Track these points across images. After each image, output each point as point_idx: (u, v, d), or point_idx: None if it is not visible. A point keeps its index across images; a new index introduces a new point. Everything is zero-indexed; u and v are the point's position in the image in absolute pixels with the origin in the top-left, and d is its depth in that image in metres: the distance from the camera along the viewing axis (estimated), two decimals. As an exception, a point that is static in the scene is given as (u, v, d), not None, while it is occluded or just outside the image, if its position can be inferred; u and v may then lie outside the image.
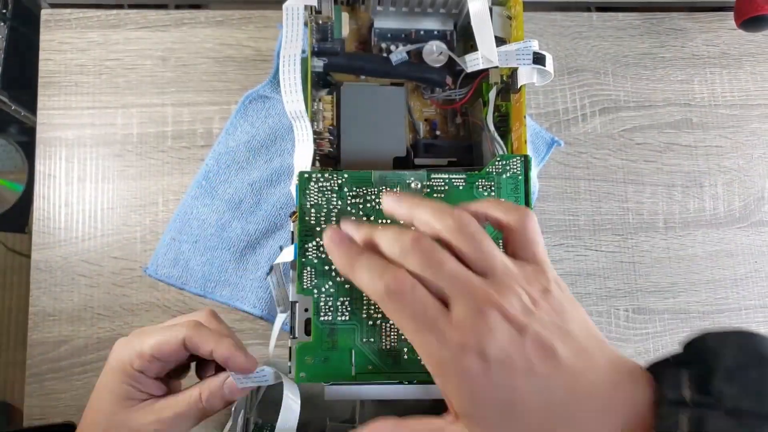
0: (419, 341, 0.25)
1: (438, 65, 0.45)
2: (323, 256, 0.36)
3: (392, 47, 0.46)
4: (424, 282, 0.25)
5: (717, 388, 0.22)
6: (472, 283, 0.25)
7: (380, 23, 0.47)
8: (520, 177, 0.37)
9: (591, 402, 0.23)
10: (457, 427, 0.25)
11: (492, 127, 0.42)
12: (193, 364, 0.38)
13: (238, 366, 0.33)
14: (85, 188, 0.54)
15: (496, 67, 0.41)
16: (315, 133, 0.41)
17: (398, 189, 0.37)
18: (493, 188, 0.37)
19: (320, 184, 0.36)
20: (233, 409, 0.42)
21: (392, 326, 0.35)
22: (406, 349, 0.35)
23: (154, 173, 0.54)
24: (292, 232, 0.39)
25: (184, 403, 0.33)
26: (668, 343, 0.57)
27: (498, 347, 0.23)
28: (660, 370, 0.25)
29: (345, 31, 0.46)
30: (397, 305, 0.25)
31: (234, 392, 0.34)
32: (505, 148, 0.42)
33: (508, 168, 0.37)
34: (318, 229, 0.36)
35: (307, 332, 0.35)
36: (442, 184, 0.37)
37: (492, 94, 0.43)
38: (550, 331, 0.24)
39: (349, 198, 0.36)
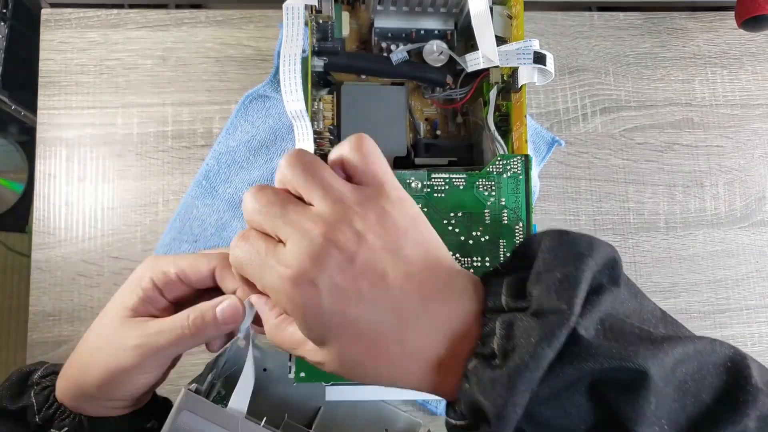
0: (263, 284, 0.25)
1: (438, 65, 0.45)
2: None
3: (393, 47, 0.46)
4: (263, 230, 0.26)
5: (528, 291, 0.23)
6: (302, 218, 0.25)
7: (381, 23, 0.47)
8: (520, 176, 0.37)
9: (418, 321, 0.24)
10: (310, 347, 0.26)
11: (493, 127, 0.42)
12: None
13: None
14: (86, 188, 0.54)
15: (497, 66, 0.41)
16: (315, 132, 0.41)
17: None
18: (493, 188, 0.37)
19: (320, 183, 0.36)
20: (207, 364, 0.41)
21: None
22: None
23: (155, 173, 0.54)
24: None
25: (170, 322, 0.31)
26: (669, 343, 0.56)
27: (328, 277, 0.24)
28: (488, 281, 0.26)
29: (345, 30, 0.46)
30: (239, 266, 0.26)
31: (227, 317, 0.30)
32: (505, 148, 0.42)
33: (508, 167, 0.37)
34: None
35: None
36: (443, 183, 0.37)
37: (492, 94, 0.43)
38: (380, 256, 0.24)
39: (350, 198, 0.36)
